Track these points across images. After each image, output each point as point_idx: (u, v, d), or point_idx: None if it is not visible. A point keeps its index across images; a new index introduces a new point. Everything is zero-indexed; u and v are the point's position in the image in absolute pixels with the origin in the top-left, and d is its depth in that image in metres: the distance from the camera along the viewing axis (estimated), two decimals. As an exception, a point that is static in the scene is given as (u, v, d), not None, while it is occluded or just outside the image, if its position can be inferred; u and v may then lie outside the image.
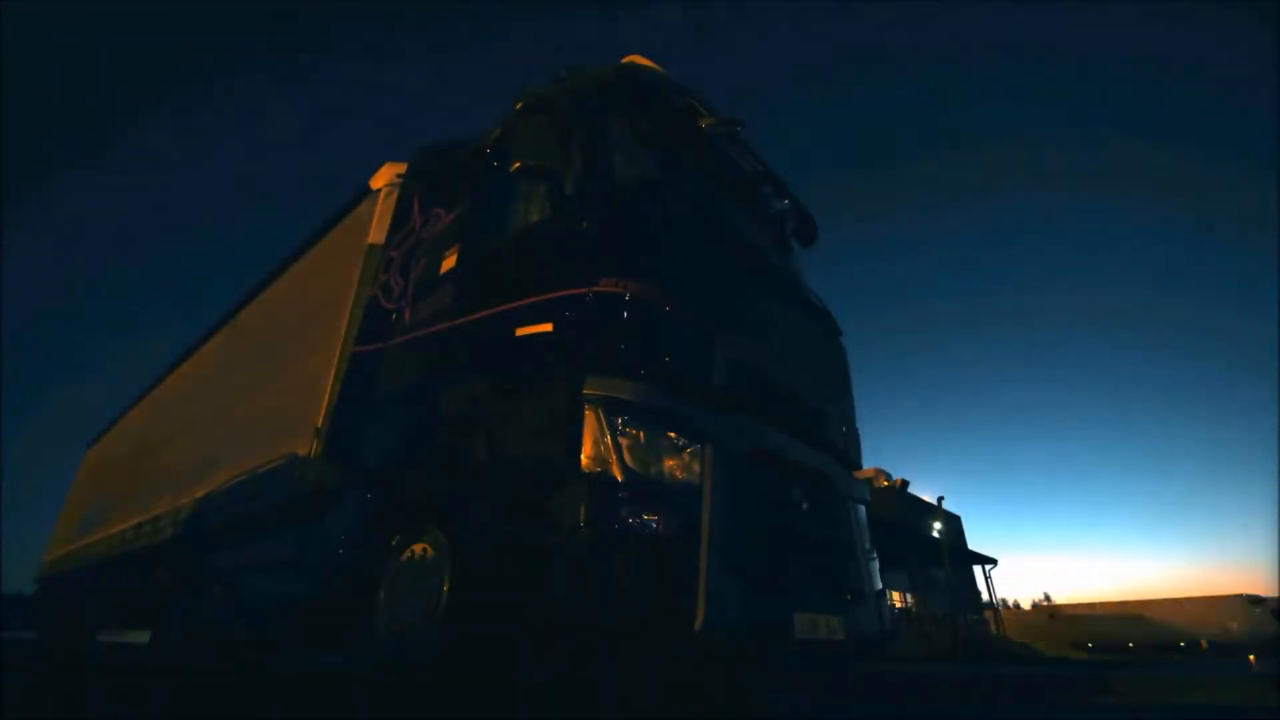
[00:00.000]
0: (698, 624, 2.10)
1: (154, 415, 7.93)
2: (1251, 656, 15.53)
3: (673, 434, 2.34)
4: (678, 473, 2.30)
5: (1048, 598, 61.04)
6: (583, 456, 2.15)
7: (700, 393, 2.52)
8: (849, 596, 2.97)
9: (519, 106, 3.06)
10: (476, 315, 2.87)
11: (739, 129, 3.64)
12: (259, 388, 4.95)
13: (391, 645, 2.51)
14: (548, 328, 2.48)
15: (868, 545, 3.33)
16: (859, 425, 3.82)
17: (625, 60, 3.36)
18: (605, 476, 2.13)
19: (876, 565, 3.35)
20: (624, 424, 2.22)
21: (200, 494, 4.92)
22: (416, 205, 3.92)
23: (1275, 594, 24.34)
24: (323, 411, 3.69)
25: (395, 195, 4.26)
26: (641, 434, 2.25)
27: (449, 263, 3.33)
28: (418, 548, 2.58)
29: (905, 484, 25.68)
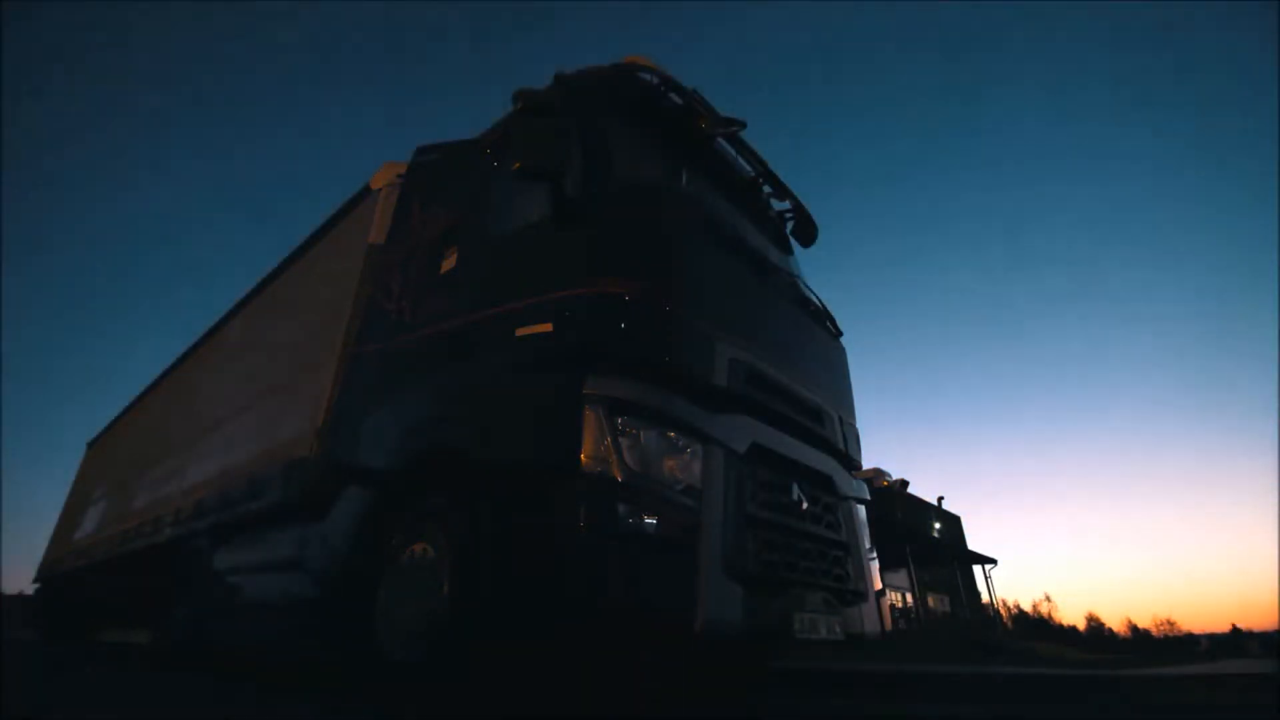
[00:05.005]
0: (698, 624, 2.10)
1: (155, 415, 7.94)
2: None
3: (673, 434, 2.35)
4: (678, 473, 2.30)
5: (1048, 598, 61.16)
6: (583, 456, 2.14)
7: (700, 393, 2.52)
8: (849, 597, 2.97)
9: (519, 107, 3.06)
10: (476, 315, 2.87)
11: (739, 130, 3.64)
12: (259, 388, 4.96)
13: (391, 645, 2.51)
14: (548, 328, 2.48)
15: (868, 545, 3.33)
16: (859, 425, 3.83)
17: (625, 60, 3.36)
18: (605, 476, 2.12)
19: (876, 565, 3.35)
20: (624, 424, 2.22)
21: (200, 494, 4.93)
22: (416, 205, 3.92)
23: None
24: (323, 412, 3.69)
25: (395, 195, 4.27)
26: (641, 434, 2.25)
27: (449, 263, 3.33)
28: (418, 548, 2.59)
29: (905, 484, 25.70)
